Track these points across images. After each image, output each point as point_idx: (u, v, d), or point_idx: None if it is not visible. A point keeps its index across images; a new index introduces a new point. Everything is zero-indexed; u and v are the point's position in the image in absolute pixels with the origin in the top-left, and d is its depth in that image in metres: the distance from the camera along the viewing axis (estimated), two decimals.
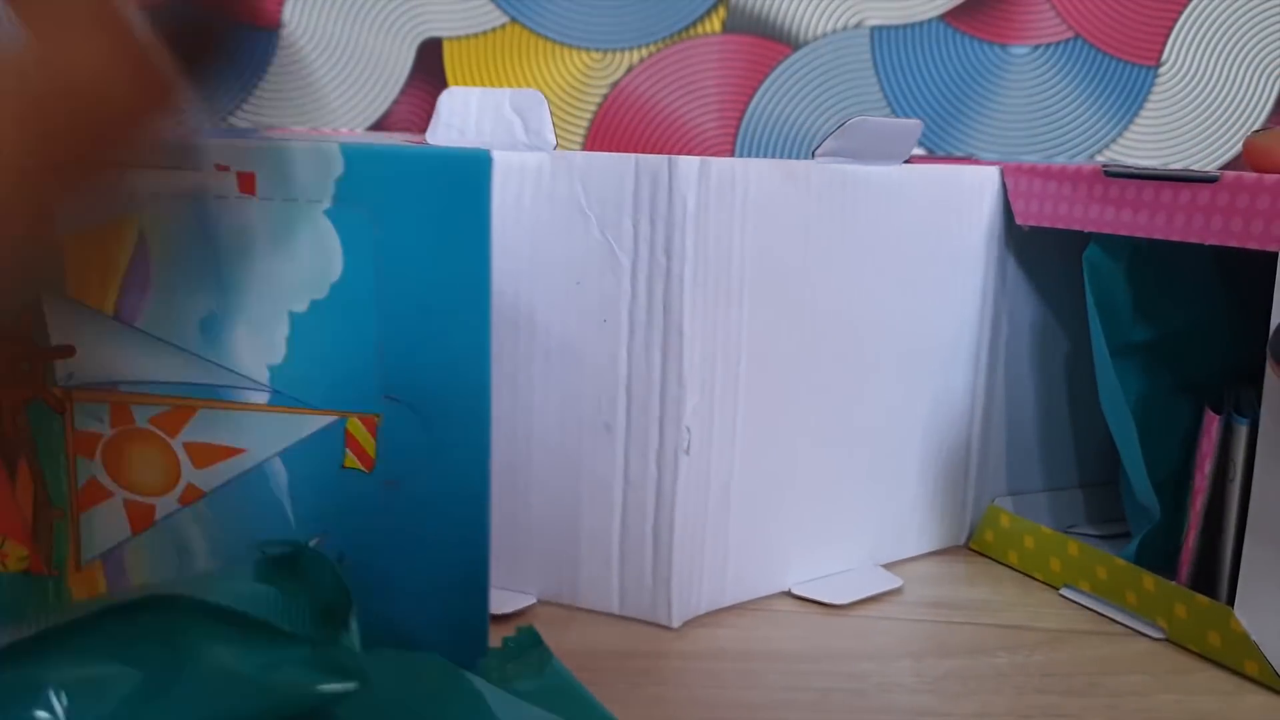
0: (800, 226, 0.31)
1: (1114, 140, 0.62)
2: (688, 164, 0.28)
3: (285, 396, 0.25)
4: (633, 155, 0.29)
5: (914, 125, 0.33)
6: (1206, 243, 0.31)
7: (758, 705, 0.28)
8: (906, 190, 0.34)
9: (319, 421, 0.25)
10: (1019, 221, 0.36)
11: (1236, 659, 0.30)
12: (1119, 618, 0.33)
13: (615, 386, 0.30)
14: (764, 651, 0.31)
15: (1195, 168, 0.61)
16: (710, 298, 0.29)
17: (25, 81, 0.18)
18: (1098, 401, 0.37)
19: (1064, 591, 0.35)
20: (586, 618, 0.32)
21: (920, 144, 0.61)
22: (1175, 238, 0.31)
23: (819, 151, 0.31)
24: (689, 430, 0.29)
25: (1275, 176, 0.29)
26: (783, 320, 0.32)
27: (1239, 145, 0.62)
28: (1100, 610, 0.34)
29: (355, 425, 0.25)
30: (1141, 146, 0.62)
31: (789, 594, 0.34)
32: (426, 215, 0.24)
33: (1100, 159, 0.62)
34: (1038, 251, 0.38)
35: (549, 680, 0.25)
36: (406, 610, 0.26)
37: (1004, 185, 0.37)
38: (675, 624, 0.31)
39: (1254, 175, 0.30)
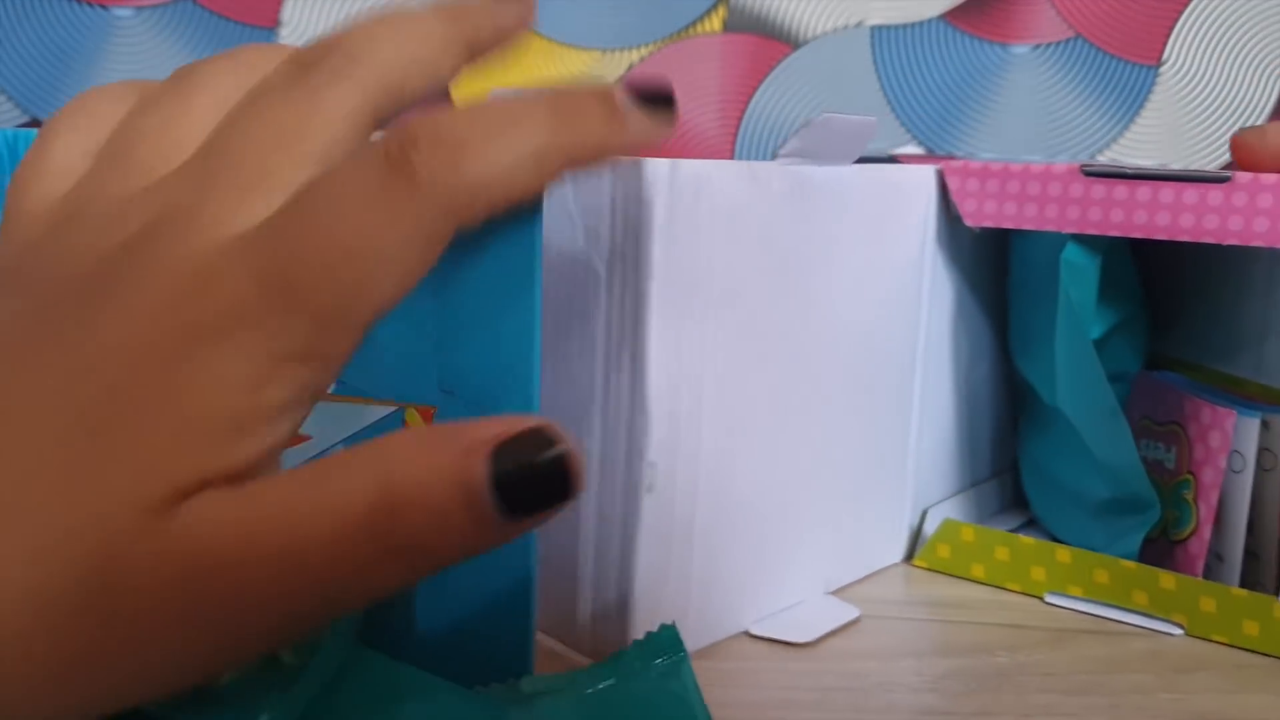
0: (762, 234, 0.29)
1: (1115, 140, 0.62)
2: (655, 167, 0.26)
3: (348, 387, 0.25)
4: (634, 159, 0.27)
5: (869, 123, 0.32)
6: (1202, 241, 0.31)
7: (756, 704, 0.27)
8: (855, 192, 0.32)
9: (379, 411, 0.25)
10: (969, 223, 0.35)
11: (1277, 645, 0.31)
12: (1123, 619, 0.33)
13: (592, 410, 0.28)
14: (762, 650, 0.31)
15: (1195, 167, 0.61)
16: (677, 316, 0.27)
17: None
18: (991, 400, 0.39)
19: (1049, 599, 0.35)
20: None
21: (920, 143, 0.61)
22: (1161, 237, 0.31)
23: (781, 152, 0.30)
24: (653, 465, 0.27)
25: (1272, 175, 0.30)
26: (745, 340, 0.29)
27: None
28: (1096, 613, 0.34)
29: (413, 416, 0.25)
30: (1142, 146, 0.62)
31: (747, 634, 0.32)
32: None
33: (1101, 158, 0.62)
34: (955, 251, 0.37)
35: (670, 684, 0.25)
36: (454, 609, 0.26)
37: (942, 186, 0.36)
38: None
39: (1249, 174, 0.30)
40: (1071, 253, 0.34)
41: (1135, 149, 0.62)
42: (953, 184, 0.35)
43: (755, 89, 0.60)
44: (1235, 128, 0.61)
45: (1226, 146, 0.62)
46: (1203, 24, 0.61)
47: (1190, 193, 0.31)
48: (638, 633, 0.28)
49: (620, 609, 0.28)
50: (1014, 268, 0.38)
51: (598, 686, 0.25)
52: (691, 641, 0.30)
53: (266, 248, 0.18)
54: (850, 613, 0.33)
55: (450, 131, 0.18)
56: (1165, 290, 0.39)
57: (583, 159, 0.20)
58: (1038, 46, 0.60)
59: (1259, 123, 0.61)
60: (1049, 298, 0.35)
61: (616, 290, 0.27)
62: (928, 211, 0.35)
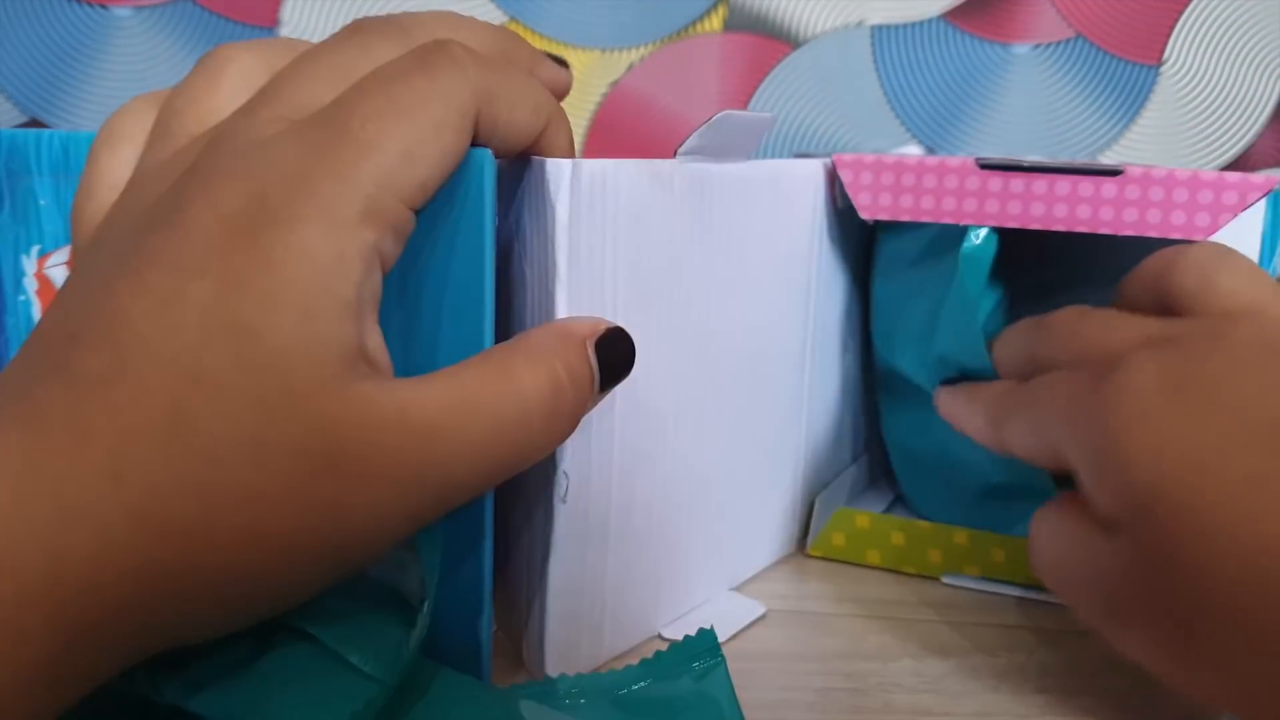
0: (664, 233, 0.29)
1: (1115, 139, 0.61)
2: (557, 167, 0.25)
3: None
4: (538, 159, 0.26)
5: (766, 119, 0.31)
6: (1099, 232, 0.31)
7: (755, 705, 0.27)
8: (749, 187, 0.32)
9: None
10: (864, 216, 0.35)
11: None
12: (1020, 594, 0.34)
13: None
14: (760, 651, 0.31)
15: (1199, 166, 0.61)
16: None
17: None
18: (857, 385, 0.40)
19: (946, 579, 0.35)
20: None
21: (920, 142, 0.61)
22: (1059, 228, 0.32)
23: (682, 149, 0.29)
24: (566, 475, 0.27)
25: (1162, 169, 0.31)
26: (652, 342, 0.29)
27: (1240, 144, 0.61)
28: (993, 591, 0.35)
29: None
30: (1143, 146, 0.62)
31: (659, 638, 0.31)
32: (435, 212, 0.24)
33: (1103, 158, 0.61)
34: (838, 243, 0.38)
35: (704, 688, 0.25)
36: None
37: (832, 179, 0.36)
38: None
39: (1141, 167, 0.31)
40: (970, 245, 0.34)
41: (1136, 148, 0.62)
42: (846, 177, 0.35)
43: (755, 89, 0.60)
44: (1236, 127, 0.61)
45: (1228, 146, 0.61)
46: (1203, 24, 0.61)
47: (1085, 185, 0.31)
48: (554, 638, 0.28)
49: (540, 615, 0.28)
50: (882, 261, 0.38)
51: (632, 688, 0.26)
52: (608, 647, 0.30)
53: (316, 121, 0.19)
54: (756, 610, 0.33)
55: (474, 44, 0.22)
56: (1034, 277, 0.39)
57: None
58: (1038, 46, 0.60)
59: (1260, 121, 0.61)
60: (931, 290, 0.35)
61: (534, 293, 0.27)
62: (815, 205, 0.35)
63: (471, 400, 0.20)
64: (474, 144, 0.23)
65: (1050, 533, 0.26)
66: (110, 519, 0.16)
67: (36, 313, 0.30)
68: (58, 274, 0.29)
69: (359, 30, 0.22)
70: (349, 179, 0.19)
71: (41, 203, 0.29)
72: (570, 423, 0.22)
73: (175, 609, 0.17)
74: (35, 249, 0.29)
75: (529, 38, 0.58)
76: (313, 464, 0.18)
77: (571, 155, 0.25)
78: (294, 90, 0.21)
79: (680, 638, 0.28)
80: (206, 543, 0.17)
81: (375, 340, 0.20)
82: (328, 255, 0.18)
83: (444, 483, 0.19)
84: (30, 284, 0.29)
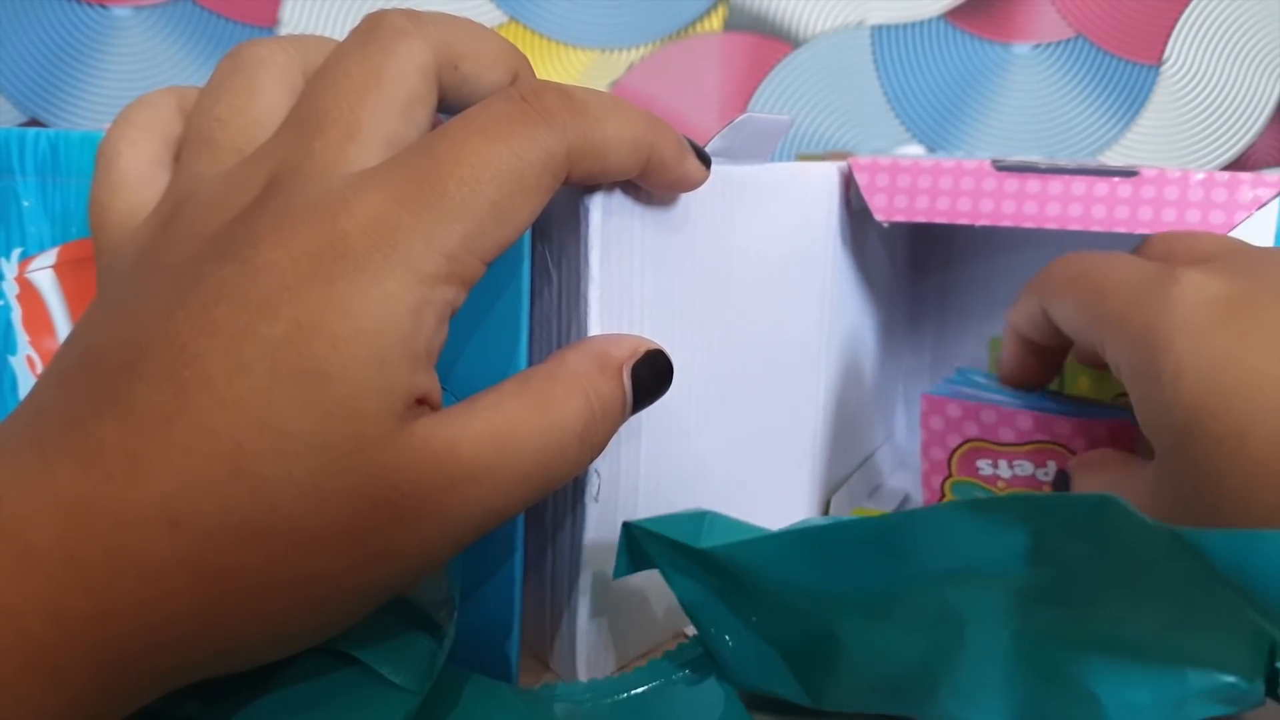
0: (689, 233, 0.29)
1: (1116, 139, 0.61)
2: None
3: None
4: None
5: (784, 121, 0.31)
6: (1114, 231, 0.32)
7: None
8: (768, 189, 0.32)
9: None
10: (880, 218, 0.35)
11: None
12: None
13: None
14: None
15: (1199, 165, 0.61)
16: (615, 321, 0.27)
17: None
18: (872, 381, 0.40)
19: None
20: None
21: (920, 142, 0.61)
22: (1074, 228, 0.32)
23: (705, 151, 0.29)
24: (598, 474, 0.27)
25: (1176, 169, 0.31)
26: (677, 340, 0.29)
27: (1240, 144, 0.62)
28: None
29: None
30: (1143, 145, 0.62)
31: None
32: None
33: (1103, 157, 0.61)
34: (854, 244, 0.38)
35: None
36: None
37: (849, 181, 0.36)
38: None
39: (1155, 168, 0.31)
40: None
41: (1136, 148, 0.62)
42: (862, 180, 0.35)
43: (755, 89, 0.60)
44: (1236, 127, 0.61)
45: (1228, 145, 0.62)
46: (1203, 24, 0.61)
47: (1101, 186, 0.32)
48: (585, 638, 0.28)
49: (571, 616, 0.28)
50: None
51: (635, 691, 0.26)
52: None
53: (401, 171, 0.19)
54: None
55: (574, 92, 0.21)
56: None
57: (658, 164, 0.23)
58: (1039, 46, 0.60)
59: (1260, 121, 0.61)
60: None
61: (566, 294, 0.27)
62: (830, 207, 0.36)
63: (516, 434, 0.20)
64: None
65: (1087, 476, 0.26)
66: (163, 565, 0.16)
67: (16, 319, 0.29)
68: (42, 278, 0.29)
69: (372, 30, 0.21)
70: (437, 239, 0.18)
71: (25, 204, 0.28)
72: (600, 448, 0.22)
73: (219, 647, 0.17)
74: (17, 252, 0.29)
75: (529, 38, 0.58)
76: (372, 508, 0.18)
77: (687, 162, 0.25)
78: (332, 122, 0.20)
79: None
80: (258, 588, 0.17)
81: (432, 377, 0.20)
82: (406, 309, 0.18)
83: (487, 515, 0.19)
84: (10, 288, 0.29)
